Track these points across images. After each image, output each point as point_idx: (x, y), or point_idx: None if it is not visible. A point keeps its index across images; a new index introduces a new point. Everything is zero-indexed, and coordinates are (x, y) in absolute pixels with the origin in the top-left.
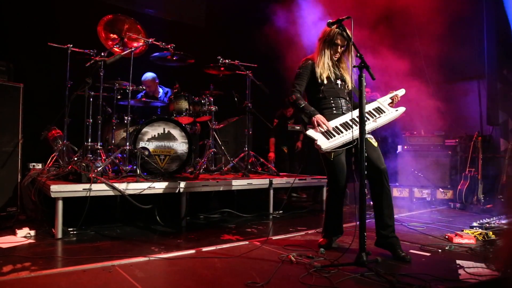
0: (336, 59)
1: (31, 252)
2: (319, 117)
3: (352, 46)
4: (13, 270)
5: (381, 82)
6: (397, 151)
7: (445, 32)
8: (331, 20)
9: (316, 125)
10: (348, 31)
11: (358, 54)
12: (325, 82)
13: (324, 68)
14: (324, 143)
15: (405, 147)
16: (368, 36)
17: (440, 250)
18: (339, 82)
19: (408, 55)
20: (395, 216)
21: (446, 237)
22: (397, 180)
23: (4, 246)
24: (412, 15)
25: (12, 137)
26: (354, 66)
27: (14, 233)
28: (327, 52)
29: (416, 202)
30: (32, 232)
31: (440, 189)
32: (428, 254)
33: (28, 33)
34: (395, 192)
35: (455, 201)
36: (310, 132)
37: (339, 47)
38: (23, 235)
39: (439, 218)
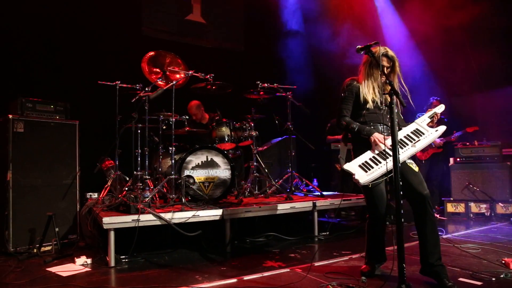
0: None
1: (86, 281)
2: (376, 136)
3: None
4: None
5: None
6: (449, 164)
7: (497, 37)
8: (359, 46)
9: (374, 144)
10: (390, 52)
11: (388, 81)
12: (369, 106)
13: (370, 91)
14: (362, 177)
15: (458, 159)
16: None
17: (494, 279)
18: (383, 107)
19: (459, 62)
20: (449, 235)
21: (503, 262)
22: (451, 194)
23: (64, 274)
24: (463, 24)
25: (70, 170)
26: (383, 93)
27: (73, 261)
28: (374, 75)
29: (474, 218)
30: (89, 260)
31: (500, 203)
32: (479, 283)
33: (80, 73)
34: (450, 208)
35: None
36: (347, 166)
37: (385, 68)
38: (81, 263)
39: (497, 238)
